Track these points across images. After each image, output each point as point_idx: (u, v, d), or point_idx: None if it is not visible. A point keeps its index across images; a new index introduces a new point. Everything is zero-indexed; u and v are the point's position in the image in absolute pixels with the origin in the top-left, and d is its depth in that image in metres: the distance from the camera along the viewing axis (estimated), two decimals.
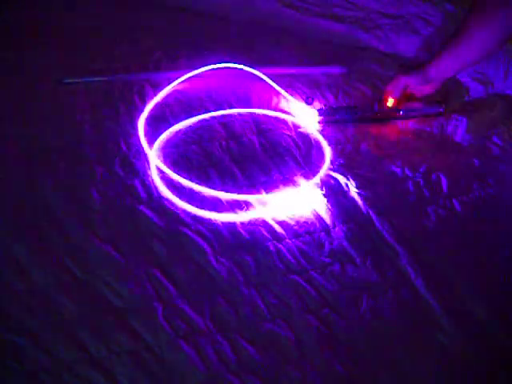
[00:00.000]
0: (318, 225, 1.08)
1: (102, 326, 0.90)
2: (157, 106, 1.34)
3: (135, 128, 1.27)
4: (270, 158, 1.22)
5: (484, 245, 1.07)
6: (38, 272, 0.96)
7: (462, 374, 0.88)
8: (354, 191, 1.15)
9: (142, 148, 1.22)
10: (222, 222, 1.07)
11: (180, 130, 1.28)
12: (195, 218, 1.08)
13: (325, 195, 1.14)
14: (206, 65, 1.41)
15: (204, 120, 1.31)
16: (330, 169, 1.20)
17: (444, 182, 1.18)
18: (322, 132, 1.29)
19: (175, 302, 0.94)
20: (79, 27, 1.61)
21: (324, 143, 1.26)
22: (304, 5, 1.60)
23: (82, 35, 1.57)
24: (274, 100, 1.37)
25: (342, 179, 1.18)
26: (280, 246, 1.04)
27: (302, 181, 1.17)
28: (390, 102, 1.32)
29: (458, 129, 1.31)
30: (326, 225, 1.08)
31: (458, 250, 1.05)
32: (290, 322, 0.93)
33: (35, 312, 0.91)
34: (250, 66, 1.40)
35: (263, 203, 1.12)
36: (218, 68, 1.40)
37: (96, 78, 1.41)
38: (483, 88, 1.41)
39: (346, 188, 1.16)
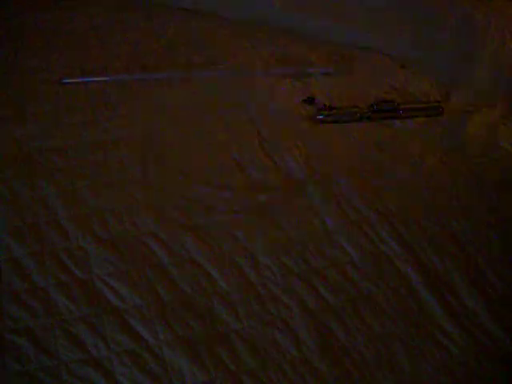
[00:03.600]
0: (317, 225, 1.08)
1: (102, 326, 0.90)
2: (157, 105, 1.34)
3: (135, 128, 1.26)
4: (270, 155, 1.22)
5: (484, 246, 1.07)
6: (38, 272, 0.96)
7: (462, 374, 0.88)
8: (355, 191, 1.15)
9: (142, 147, 1.22)
10: (224, 222, 1.07)
11: (180, 130, 1.28)
12: (196, 218, 1.07)
13: (325, 195, 1.14)
14: (207, 64, 1.41)
15: (204, 119, 1.31)
16: (330, 169, 1.20)
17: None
18: (322, 132, 1.29)
19: (175, 303, 0.94)
20: (79, 27, 1.61)
21: (324, 143, 1.26)
22: (303, 5, 1.60)
23: (81, 35, 1.58)
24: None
25: (342, 179, 1.17)
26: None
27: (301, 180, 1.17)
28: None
29: (458, 128, 1.31)
30: (326, 225, 1.08)
31: (458, 251, 1.05)
32: (290, 323, 0.93)
33: (35, 312, 0.91)
34: (250, 66, 1.41)
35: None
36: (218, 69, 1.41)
37: (96, 78, 1.41)
38: (482, 88, 1.41)
39: (346, 187, 1.16)
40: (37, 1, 1.71)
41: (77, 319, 0.90)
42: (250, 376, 0.86)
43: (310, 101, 1.37)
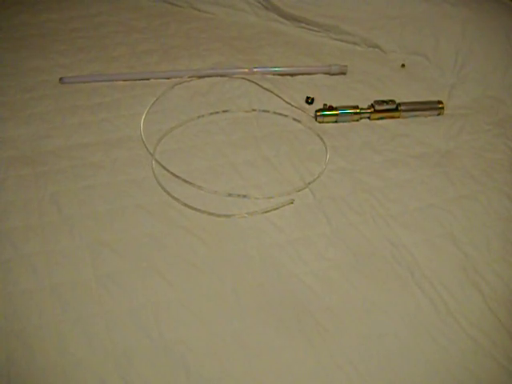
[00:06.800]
0: (316, 227, 1.08)
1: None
2: (157, 105, 1.34)
3: (136, 128, 1.27)
4: (269, 157, 1.22)
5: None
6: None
7: (461, 375, 0.88)
8: (353, 192, 1.15)
9: (143, 148, 1.22)
10: (223, 222, 1.07)
11: (180, 130, 1.28)
12: (195, 218, 1.08)
13: (323, 196, 1.14)
14: (207, 64, 1.42)
15: (204, 120, 1.31)
16: (330, 169, 1.20)
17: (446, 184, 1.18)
18: (321, 132, 1.29)
19: (173, 306, 0.94)
20: (79, 27, 1.62)
21: (323, 143, 1.26)
22: (304, 5, 1.60)
23: (81, 35, 1.58)
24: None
25: (341, 180, 1.17)
26: (280, 246, 1.04)
27: (300, 181, 1.17)
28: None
29: (457, 128, 1.31)
30: (325, 227, 1.08)
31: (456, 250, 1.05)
32: None
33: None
34: (250, 66, 1.41)
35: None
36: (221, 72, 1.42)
37: (96, 78, 1.41)
38: (482, 88, 1.41)
39: (345, 189, 1.16)
40: (37, 1, 1.72)
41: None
42: None
43: (310, 101, 1.37)
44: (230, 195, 1.13)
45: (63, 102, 1.34)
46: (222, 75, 1.43)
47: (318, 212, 1.10)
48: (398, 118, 1.34)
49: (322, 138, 1.27)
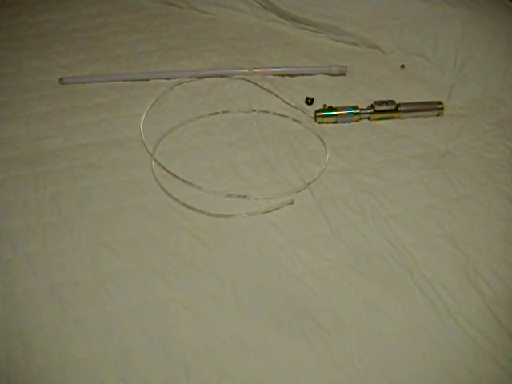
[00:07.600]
0: (316, 228, 1.08)
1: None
2: (157, 105, 1.34)
3: (135, 129, 1.27)
4: (269, 157, 1.22)
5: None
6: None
7: (460, 375, 0.88)
8: (353, 193, 1.15)
9: (143, 148, 1.22)
10: (222, 222, 1.07)
11: (180, 131, 1.28)
12: (195, 218, 1.08)
13: (323, 197, 1.14)
14: (206, 65, 1.41)
15: (204, 120, 1.31)
16: (330, 170, 1.20)
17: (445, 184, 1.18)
18: (321, 132, 1.29)
19: (173, 306, 0.94)
20: (79, 28, 1.62)
21: (323, 144, 1.26)
22: (304, 6, 1.60)
23: (81, 35, 1.58)
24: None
25: (341, 180, 1.17)
26: (280, 246, 1.04)
27: (300, 182, 1.17)
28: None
29: (457, 129, 1.31)
30: (325, 228, 1.08)
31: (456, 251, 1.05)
32: None
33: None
34: (250, 66, 1.41)
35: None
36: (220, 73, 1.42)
37: (96, 79, 1.41)
38: (481, 89, 1.41)
39: (345, 189, 1.16)
40: (37, 1, 1.72)
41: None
42: None
43: (310, 101, 1.37)
44: (229, 195, 1.13)
45: (63, 102, 1.34)
46: (221, 76, 1.43)
47: (317, 212, 1.10)
48: (398, 118, 1.34)
49: (321, 139, 1.27)
